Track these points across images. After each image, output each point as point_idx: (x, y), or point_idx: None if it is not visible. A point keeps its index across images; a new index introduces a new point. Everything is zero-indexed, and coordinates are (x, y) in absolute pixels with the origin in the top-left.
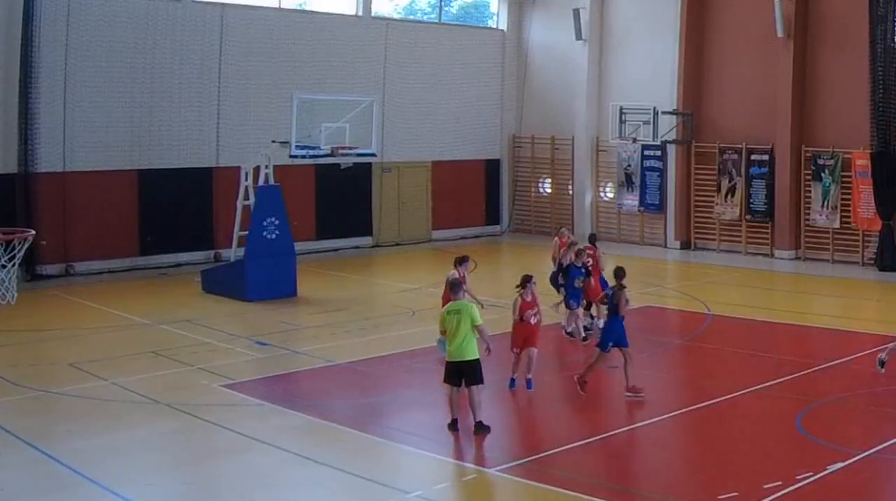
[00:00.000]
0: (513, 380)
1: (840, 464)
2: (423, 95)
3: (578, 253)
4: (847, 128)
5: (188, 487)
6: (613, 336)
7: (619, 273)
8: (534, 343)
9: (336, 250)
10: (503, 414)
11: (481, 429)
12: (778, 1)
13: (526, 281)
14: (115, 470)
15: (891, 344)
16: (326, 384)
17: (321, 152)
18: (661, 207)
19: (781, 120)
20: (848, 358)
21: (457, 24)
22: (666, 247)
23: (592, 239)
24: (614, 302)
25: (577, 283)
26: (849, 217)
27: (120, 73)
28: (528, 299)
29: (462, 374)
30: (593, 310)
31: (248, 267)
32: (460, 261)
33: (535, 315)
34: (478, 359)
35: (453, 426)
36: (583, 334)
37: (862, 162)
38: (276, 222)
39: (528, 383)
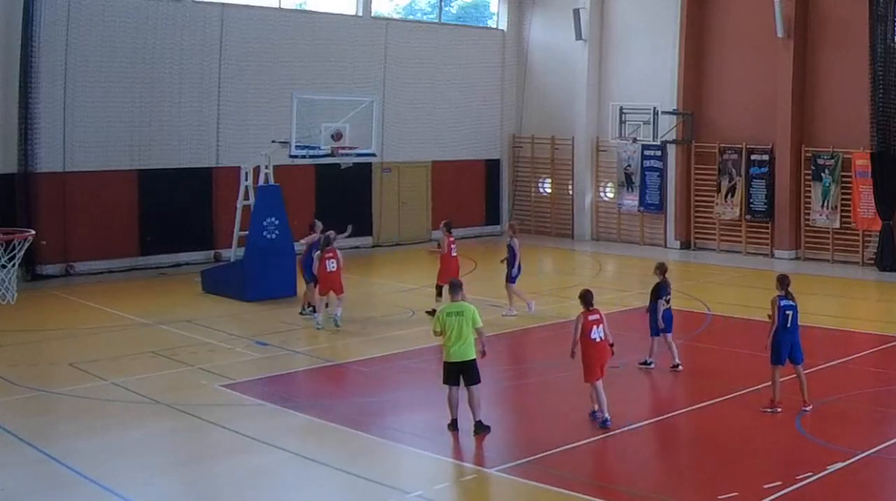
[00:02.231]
0: (604, 419)
1: (840, 464)
2: (423, 95)
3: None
4: (847, 128)
5: (188, 487)
6: (787, 348)
7: (784, 281)
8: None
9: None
10: (503, 414)
11: (481, 429)
12: (778, 1)
13: (586, 301)
14: (115, 470)
15: None
16: (326, 384)
17: (321, 152)
18: (661, 207)
19: (781, 120)
20: (848, 358)
21: (457, 24)
22: (666, 246)
23: (448, 226)
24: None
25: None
26: (849, 217)
27: (120, 73)
28: (594, 318)
29: (462, 374)
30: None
31: (248, 267)
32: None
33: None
34: (475, 359)
35: (453, 426)
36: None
37: (862, 162)
38: (276, 222)
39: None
